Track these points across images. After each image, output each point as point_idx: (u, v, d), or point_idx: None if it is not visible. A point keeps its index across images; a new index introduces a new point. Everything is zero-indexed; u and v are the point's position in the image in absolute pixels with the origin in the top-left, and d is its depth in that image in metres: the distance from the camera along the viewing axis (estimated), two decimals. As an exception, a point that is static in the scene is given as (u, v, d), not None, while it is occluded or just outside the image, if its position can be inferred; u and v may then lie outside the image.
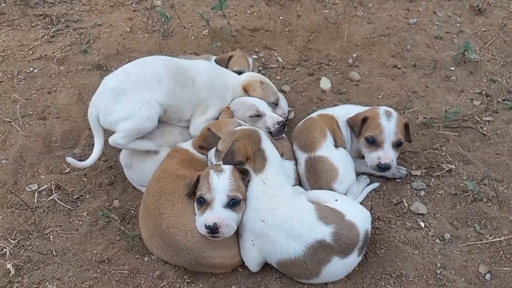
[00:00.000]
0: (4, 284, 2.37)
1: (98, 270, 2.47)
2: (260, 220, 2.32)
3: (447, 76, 3.83)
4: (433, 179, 2.95)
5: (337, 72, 3.95)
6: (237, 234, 2.44)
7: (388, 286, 2.36)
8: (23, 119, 3.45)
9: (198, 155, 2.80)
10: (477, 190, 2.77)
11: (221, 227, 2.28)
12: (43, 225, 2.74)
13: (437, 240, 2.57)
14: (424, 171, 3.03)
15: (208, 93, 3.01)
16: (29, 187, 2.95)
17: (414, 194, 2.87)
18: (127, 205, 2.91)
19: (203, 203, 2.35)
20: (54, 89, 3.71)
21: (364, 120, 2.85)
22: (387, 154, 2.77)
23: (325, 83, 3.87)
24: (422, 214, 2.72)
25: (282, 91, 3.71)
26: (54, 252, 2.57)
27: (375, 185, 2.96)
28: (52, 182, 2.98)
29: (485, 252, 2.49)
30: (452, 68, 3.88)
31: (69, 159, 2.80)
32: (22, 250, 2.57)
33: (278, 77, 3.90)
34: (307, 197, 2.56)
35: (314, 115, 3.09)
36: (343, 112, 3.07)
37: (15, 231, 2.68)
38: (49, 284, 2.37)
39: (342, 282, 2.38)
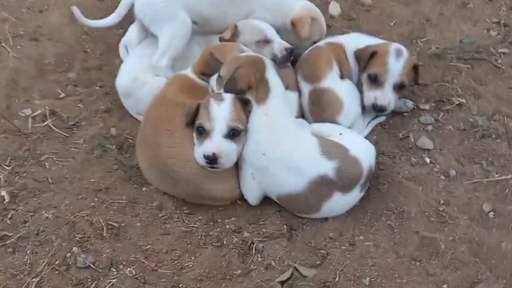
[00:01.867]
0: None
1: (96, 199, 2.42)
2: (261, 153, 2.24)
3: (464, 3, 3.59)
4: (442, 113, 2.84)
5: (347, -5, 3.71)
6: (237, 166, 2.37)
7: (389, 222, 2.32)
8: (13, 39, 3.27)
9: (199, 81, 2.66)
10: (486, 125, 2.66)
11: (220, 157, 2.21)
12: (38, 152, 2.66)
13: (442, 177, 2.51)
14: (433, 104, 2.91)
15: (258, 6, 2.91)
16: (23, 112, 2.85)
17: (421, 129, 2.77)
18: (125, 133, 2.81)
19: (202, 133, 2.26)
20: (46, 7, 3.50)
21: (372, 55, 2.69)
22: (385, 95, 2.65)
23: (334, 8, 3.65)
24: (428, 150, 2.64)
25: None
26: (50, 179, 2.51)
27: (381, 118, 2.85)
28: (47, 107, 2.87)
29: (490, 189, 2.43)
30: (470, -6, 3.64)
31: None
32: (17, 177, 2.50)
33: None
34: (310, 130, 2.47)
35: (321, 43, 2.91)
36: (353, 41, 2.90)
37: (9, 157, 2.60)
38: (45, 212, 2.32)
39: (342, 217, 2.34)
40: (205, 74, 2.64)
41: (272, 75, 2.36)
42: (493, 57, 3.17)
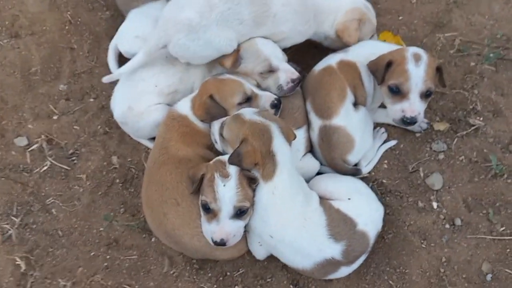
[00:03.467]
0: (19, 278, 2.43)
1: (108, 257, 2.50)
2: (267, 234, 2.24)
3: (500, -29, 3.12)
4: (456, 139, 2.71)
5: (364, -42, 3.20)
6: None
7: (390, 282, 2.42)
8: (-9, 37, 2.96)
9: (199, 125, 2.52)
10: (500, 168, 2.58)
11: (229, 240, 2.22)
12: (43, 194, 2.65)
13: (447, 225, 2.52)
14: (448, 125, 2.75)
15: (287, 28, 2.59)
16: (19, 144, 2.74)
17: (433, 158, 2.68)
18: (127, 162, 2.76)
19: (209, 212, 2.23)
20: (19, -11, 3.07)
21: (389, 64, 2.47)
22: (413, 106, 2.46)
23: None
24: (436, 191, 2.60)
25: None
26: (60, 232, 2.55)
27: (392, 143, 2.74)
28: (43, 136, 2.75)
29: (492, 247, 2.46)
30: (508, -41, 3.13)
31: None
32: (28, 232, 2.55)
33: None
34: (318, 186, 2.42)
35: (333, 62, 2.63)
36: (366, 55, 2.62)
37: (15, 204, 2.61)
38: (62, 280, 2.43)
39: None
40: (205, 120, 2.48)
41: (279, 145, 2.21)
42: (522, 57, 2.90)
